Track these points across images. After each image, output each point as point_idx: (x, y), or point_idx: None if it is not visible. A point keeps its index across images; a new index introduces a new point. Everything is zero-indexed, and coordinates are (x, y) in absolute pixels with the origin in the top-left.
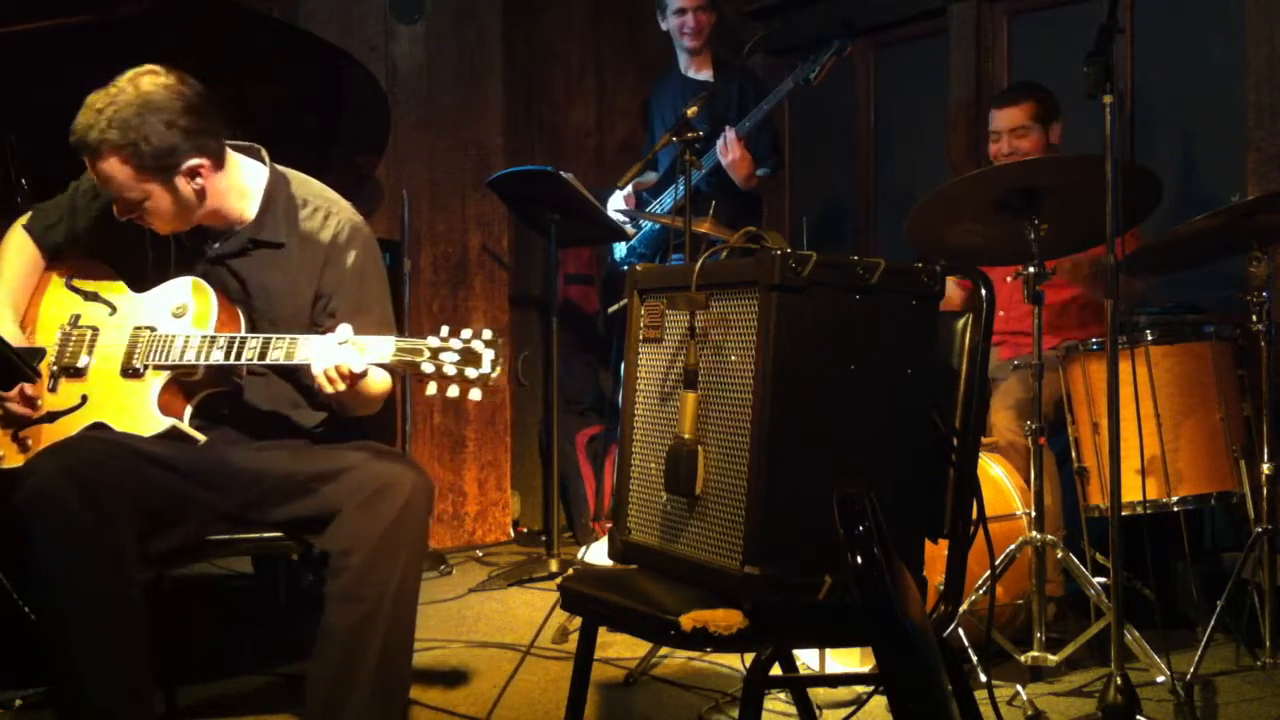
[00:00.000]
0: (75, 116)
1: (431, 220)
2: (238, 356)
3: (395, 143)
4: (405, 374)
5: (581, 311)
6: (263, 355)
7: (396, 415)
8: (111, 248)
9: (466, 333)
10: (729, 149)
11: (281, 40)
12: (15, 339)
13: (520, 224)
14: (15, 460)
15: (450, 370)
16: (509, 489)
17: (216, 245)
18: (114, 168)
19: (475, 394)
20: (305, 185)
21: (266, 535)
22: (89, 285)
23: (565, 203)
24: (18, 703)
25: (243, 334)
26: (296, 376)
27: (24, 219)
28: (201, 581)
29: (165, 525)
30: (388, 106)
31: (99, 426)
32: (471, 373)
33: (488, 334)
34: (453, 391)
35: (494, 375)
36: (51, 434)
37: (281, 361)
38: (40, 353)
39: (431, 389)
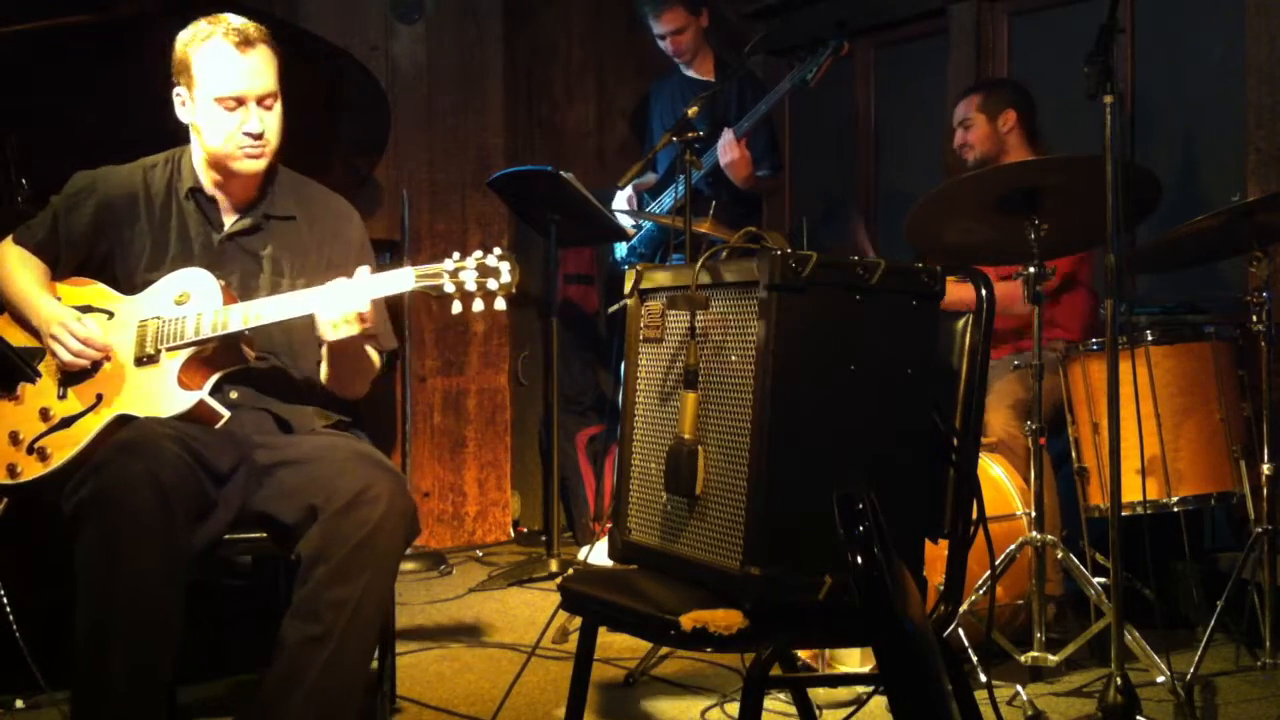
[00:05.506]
0: (75, 117)
1: (431, 220)
2: (254, 320)
3: (395, 143)
4: (434, 295)
5: (581, 311)
6: (280, 311)
7: (396, 415)
8: (112, 242)
9: (478, 252)
10: (727, 150)
11: (282, 40)
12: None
13: (520, 224)
14: (34, 470)
15: (471, 286)
16: (509, 489)
17: (228, 223)
18: (270, 60)
19: (500, 304)
20: (291, 172)
21: (264, 535)
22: (78, 301)
23: (565, 203)
24: (19, 704)
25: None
26: (301, 365)
27: (10, 238)
28: (201, 581)
29: (199, 524)
30: (388, 106)
31: (121, 419)
32: (492, 284)
33: (497, 250)
34: (478, 305)
35: (514, 284)
36: (68, 439)
37: (301, 313)
38: (40, 353)
39: (456, 308)
